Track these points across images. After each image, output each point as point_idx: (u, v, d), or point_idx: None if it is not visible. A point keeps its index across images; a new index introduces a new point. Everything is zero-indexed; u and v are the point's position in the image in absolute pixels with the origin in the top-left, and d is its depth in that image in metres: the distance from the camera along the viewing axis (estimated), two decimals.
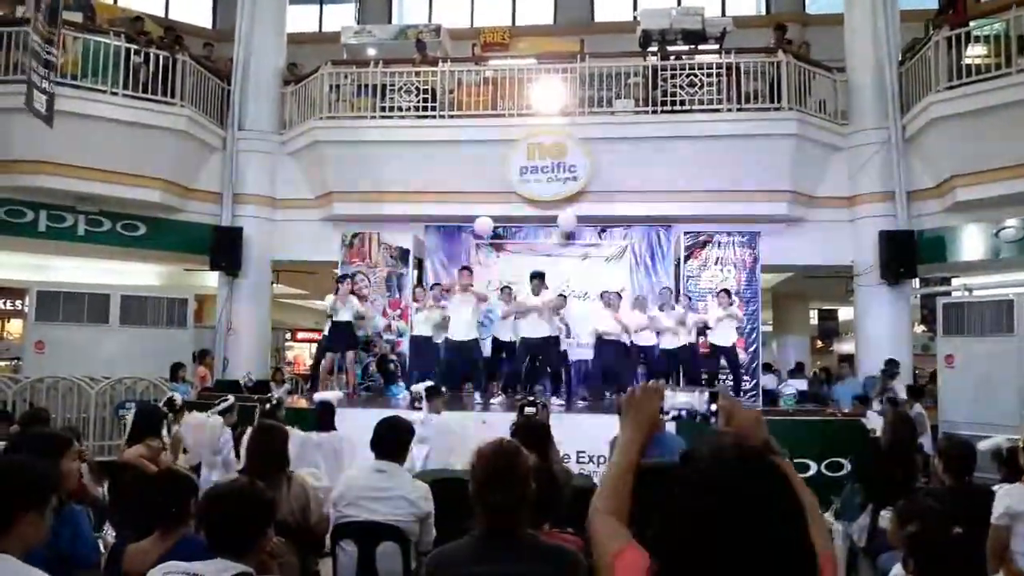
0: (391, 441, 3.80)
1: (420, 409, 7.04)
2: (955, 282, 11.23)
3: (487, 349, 10.22)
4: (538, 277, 9.64)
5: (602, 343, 9.68)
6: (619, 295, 10.04)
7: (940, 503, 3.70)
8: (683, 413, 2.18)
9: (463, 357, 9.69)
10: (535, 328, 9.47)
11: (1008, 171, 9.32)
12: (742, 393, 9.95)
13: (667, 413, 1.81)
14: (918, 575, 2.89)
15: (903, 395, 9.06)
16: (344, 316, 9.85)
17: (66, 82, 9.81)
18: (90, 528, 3.75)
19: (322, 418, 6.21)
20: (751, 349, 10.42)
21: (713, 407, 1.78)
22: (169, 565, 2.22)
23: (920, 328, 14.05)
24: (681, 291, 10.51)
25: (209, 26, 16.80)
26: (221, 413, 6.42)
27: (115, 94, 10.35)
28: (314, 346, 17.87)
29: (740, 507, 1.21)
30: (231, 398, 6.66)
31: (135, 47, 10.71)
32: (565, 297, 10.24)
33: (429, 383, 7.78)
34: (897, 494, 3.86)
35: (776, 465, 1.28)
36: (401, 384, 10.53)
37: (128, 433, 5.66)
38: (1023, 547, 3.58)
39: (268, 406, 5.99)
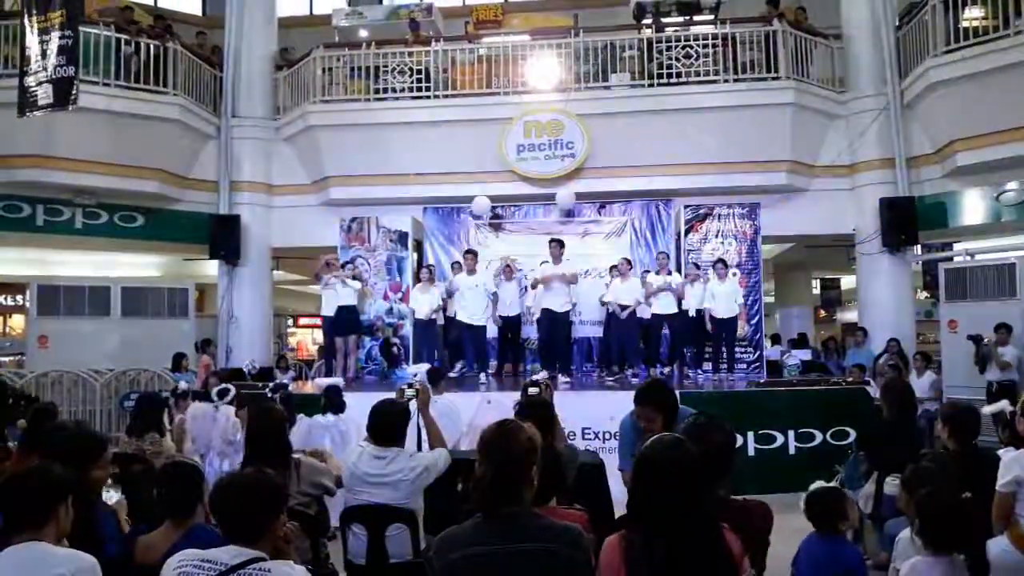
0: (386, 427, 3.80)
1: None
2: (956, 247, 11.20)
3: (493, 330, 10.22)
4: (558, 243, 9.54)
5: (615, 317, 9.48)
6: (628, 261, 9.74)
7: (946, 468, 3.71)
8: None
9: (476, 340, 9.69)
10: (558, 299, 9.35)
11: (1008, 134, 9.26)
12: (736, 366, 9.87)
13: None
14: (926, 538, 2.90)
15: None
16: (347, 300, 9.90)
17: None
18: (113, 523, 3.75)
19: (330, 401, 6.23)
20: (753, 321, 10.40)
21: None
22: (185, 553, 2.24)
23: (923, 294, 14.06)
24: (683, 264, 10.46)
25: (199, 13, 16.66)
26: (229, 403, 6.45)
27: (107, 85, 10.28)
28: (317, 332, 17.93)
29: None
30: (232, 388, 6.66)
31: (125, 37, 10.62)
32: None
33: (427, 366, 7.79)
34: (901, 461, 3.86)
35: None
36: (405, 367, 10.54)
37: (129, 423, 5.68)
38: None
39: (271, 395, 5.99)
